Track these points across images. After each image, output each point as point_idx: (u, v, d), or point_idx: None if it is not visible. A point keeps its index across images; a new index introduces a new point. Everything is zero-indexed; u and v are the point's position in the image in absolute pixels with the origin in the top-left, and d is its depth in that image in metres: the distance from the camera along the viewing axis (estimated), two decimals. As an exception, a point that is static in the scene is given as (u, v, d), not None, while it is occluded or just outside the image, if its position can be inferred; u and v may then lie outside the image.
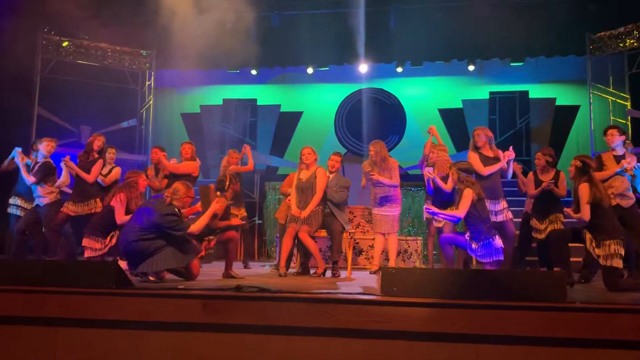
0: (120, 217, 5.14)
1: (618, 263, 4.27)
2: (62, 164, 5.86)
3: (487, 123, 9.51)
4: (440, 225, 5.83)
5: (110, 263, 3.80)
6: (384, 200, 5.98)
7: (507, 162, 5.58)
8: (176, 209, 4.60)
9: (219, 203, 5.10)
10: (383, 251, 6.55)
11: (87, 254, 5.14)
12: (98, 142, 5.96)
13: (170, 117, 10.89)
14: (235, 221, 5.34)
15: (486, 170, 5.49)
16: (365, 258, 7.01)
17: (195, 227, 4.60)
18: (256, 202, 9.67)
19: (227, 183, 5.48)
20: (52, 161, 6.05)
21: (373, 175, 5.91)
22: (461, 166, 5.06)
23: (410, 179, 9.17)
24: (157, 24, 8.25)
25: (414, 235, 8.79)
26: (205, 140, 10.32)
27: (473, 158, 5.54)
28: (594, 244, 4.38)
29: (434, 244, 6.49)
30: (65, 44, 9.40)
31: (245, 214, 6.66)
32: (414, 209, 9.37)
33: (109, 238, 5.16)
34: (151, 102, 10.10)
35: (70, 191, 5.99)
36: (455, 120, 10.06)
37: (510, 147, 5.64)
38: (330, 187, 5.79)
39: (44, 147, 5.99)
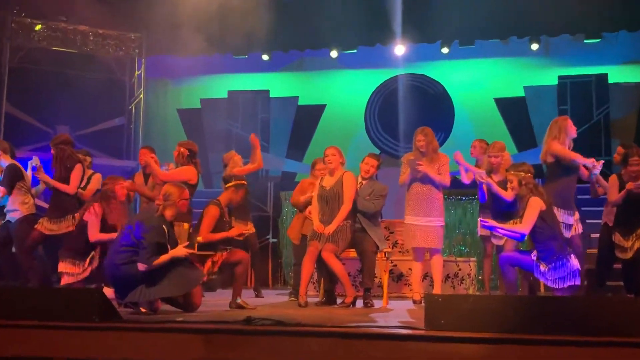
0: (94, 234, 5.19)
1: None
2: (31, 170, 5.95)
3: (555, 113, 9.38)
4: (501, 243, 5.78)
5: (93, 291, 3.85)
6: (425, 205, 5.96)
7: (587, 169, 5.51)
8: (164, 226, 4.65)
9: (236, 231, 5.26)
10: (426, 275, 6.50)
11: (65, 280, 5.21)
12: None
13: (164, 114, 11.03)
14: (235, 231, 5.37)
15: (577, 157, 5.37)
16: (406, 284, 6.99)
17: (158, 261, 4.58)
18: (269, 216, 9.70)
19: (233, 183, 5.56)
20: (18, 163, 6.12)
21: (421, 165, 5.88)
22: (522, 169, 4.99)
23: (460, 185, 9.10)
24: (147, 1, 8.37)
25: (466, 255, 8.73)
26: (207, 141, 10.43)
27: (558, 147, 5.41)
28: None
29: (492, 265, 6.43)
30: (38, 27, 9.56)
31: (253, 230, 6.73)
32: (465, 222, 9.29)
33: (88, 260, 5.22)
34: (141, 95, 10.25)
35: (46, 205, 6.07)
36: (515, 113, 9.97)
37: (600, 162, 5.48)
38: (362, 196, 5.79)
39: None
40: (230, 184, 5.59)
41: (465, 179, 6.10)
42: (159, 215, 4.72)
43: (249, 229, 6.64)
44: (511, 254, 5.08)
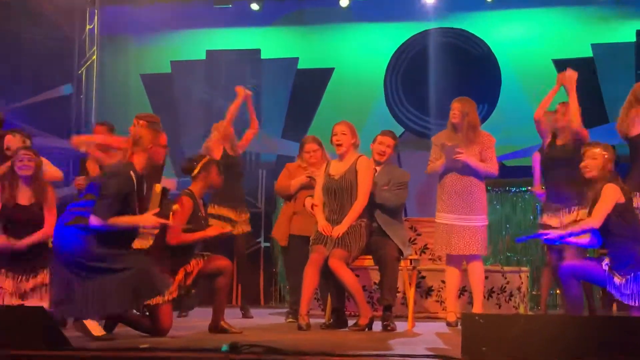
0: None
1: None
2: None
3: (632, 80, 9.33)
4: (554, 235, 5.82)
5: (35, 310, 3.87)
6: (463, 200, 5.98)
7: None
8: (132, 173, 4.63)
9: (214, 231, 5.26)
10: (464, 290, 6.50)
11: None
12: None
13: (124, 81, 11.01)
14: (213, 230, 5.36)
15: None
16: (437, 301, 7.02)
17: (117, 221, 4.56)
18: (261, 213, 9.71)
19: (199, 167, 5.43)
20: None
21: (461, 153, 5.88)
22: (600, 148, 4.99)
23: (508, 173, 9.09)
24: None
25: (516, 264, 8.74)
26: (179, 115, 10.41)
27: None
28: None
29: (551, 279, 6.41)
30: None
31: (245, 216, 6.88)
32: (514, 221, 9.29)
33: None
34: (94, 57, 10.22)
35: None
36: (580, 78, 9.89)
37: None
38: (379, 186, 5.78)
39: None
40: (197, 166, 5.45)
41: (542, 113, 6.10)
42: (125, 163, 4.72)
43: (241, 222, 6.71)
44: (575, 263, 5.09)
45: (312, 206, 5.82)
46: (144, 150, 4.74)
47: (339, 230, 5.54)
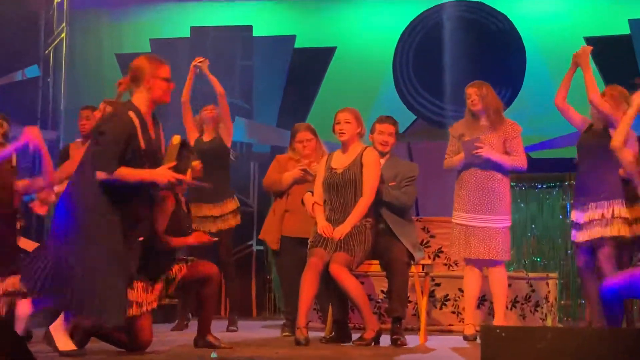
0: None
1: None
2: None
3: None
4: (582, 239, 5.82)
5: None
6: (484, 198, 6.00)
7: None
8: (133, 113, 4.46)
9: (197, 238, 5.25)
10: (484, 299, 6.50)
11: None
12: None
13: (97, 62, 11.02)
14: (196, 237, 5.38)
15: None
16: (454, 312, 7.04)
17: (124, 174, 4.41)
18: (253, 212, 9.73)
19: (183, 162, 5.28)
20: None
21: (482, 148, 5.90)
22: None
23: (534, 167, 9.07)
24: None
25: (543, 269, 8.74)
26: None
27: None
28: None
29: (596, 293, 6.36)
30: None
31: (233, 209, 6.92)
32: (540, 221, 9.29)
33: None
34: (64, 35, 10.21)
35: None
36: (617, 58, 9.90)
37: None
38: (385, 181, 5.83)
39: None
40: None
41: (563, 98, 6.15)
42: (123, 103, 4.61)
43: (227, 215, 6.75)
44: (619, 282, 5.08)
45: (313, 205, 5.82)
46: (145, 86, 4.56)
47: (342, 231, 5.54)
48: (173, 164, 4.65)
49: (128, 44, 10.97)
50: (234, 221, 7.02)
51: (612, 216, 5.71)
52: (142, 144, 4.53)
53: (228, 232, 6.97)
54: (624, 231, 5.73)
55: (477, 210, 5.99)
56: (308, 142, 6.47)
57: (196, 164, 5.06)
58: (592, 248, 5.89)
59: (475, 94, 6.06)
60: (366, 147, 5.81)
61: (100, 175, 4.40)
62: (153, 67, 4.59)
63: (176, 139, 4.92)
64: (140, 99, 4.59)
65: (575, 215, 6.00)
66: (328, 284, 5.65)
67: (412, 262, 5.77)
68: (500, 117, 6.08)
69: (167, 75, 4.63)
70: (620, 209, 5.73)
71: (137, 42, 10.92)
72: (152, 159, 4.60)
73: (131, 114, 4.50)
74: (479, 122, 6.08)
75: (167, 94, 4.64)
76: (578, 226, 5.93)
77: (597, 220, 5.77)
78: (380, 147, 5.93)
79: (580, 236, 5.91)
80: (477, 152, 5.91)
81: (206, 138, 7.13)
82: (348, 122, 5.80)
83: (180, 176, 4.63)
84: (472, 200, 6.00)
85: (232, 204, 7.03)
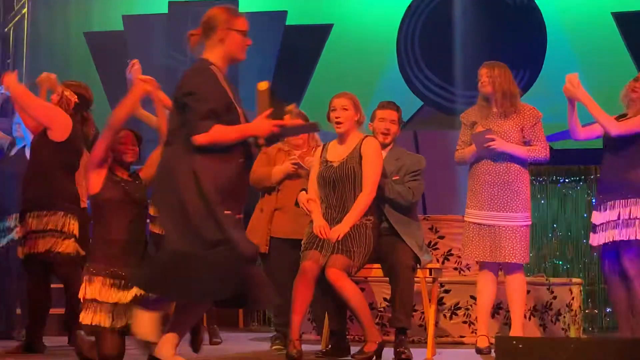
0: None
1: None
2: None
3: None
4: (601, 241, 5.87)
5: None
6: (500, 194, 6.04)
7: None
8: (214, 71, 4.48)
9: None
10: (499, 307, 6.53)
11: None
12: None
13: (63, 41, 11.02)
14: None
15: None
16: (466, 322, 7.08)
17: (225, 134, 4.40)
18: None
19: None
20: None
21: (494, 141, 5.94)
22: None
23: (557, 159, 9.10)
24: None
25: (565, 274, 8.79)
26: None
27: None
28: None
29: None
30: None
31: None
32: (562, 220, 9.31)
33: None
34: (25, 11, 10.20)
35: None
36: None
37: None
38: (388, 176, 5.89)
39: None
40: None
41: (580, 132, 6.14)
42: (200, 59, 4.59)
43: None
44: None
45: (308, 201, 5.83)
46: (219, 36, 4.55)
47: (339, 231, 5.55)
48: (269, 111, 4.62)
49: (98, 22, 11.00)
50: None
51: (630, 217, 5.77)
52: (233, 99, 4.57)
53: None
54: None
55: (492, 207, 6.01)
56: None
57: (291, 107, 4.93)
58: (617, 250, 5.93)
59: (486, 75, 6.08)
60: (366, 137, 5.82)
61: (200, 139, 4.38)
62: (228, 17, 4.59)
63: (264, 85, 4.81)
64: (214, 53, 4.60)
65: (594, 217, 6.07)
66: (324, 291, 5.68)
67: (418, 266, 5.80)
68: (514, 103, 6.09)
69: (243, 28, 4.61)
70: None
71: (107, 19, 10.95)
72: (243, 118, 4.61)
73: (213, 68, 4.54)
74: (492, 108, 6.11)
75: (243, 50, 4.63)
76: (594, 228, 5.99)
77: (614, 222, 5.83)
78: (381, 137, 5.96)
79: (594, 239, 5.98)
80: (488, 145, 5.93)
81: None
82: (345, 109, 5.81)
83: (282, 122, 4.64)
84: (486, 196, 6.02)
85: None
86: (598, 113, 5.94)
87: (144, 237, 5.24)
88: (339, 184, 5.73)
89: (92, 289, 4.97)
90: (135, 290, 4.82)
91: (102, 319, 4.92)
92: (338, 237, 5.54)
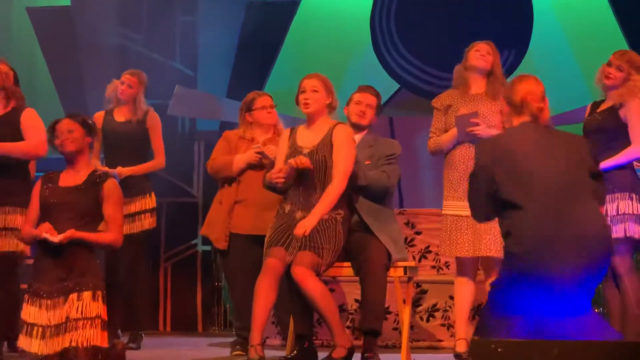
0: None
1: None
2: None
3: None
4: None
5: None
6: None
7: None
8: None
9: None
10: (480, 309, 6.54)
11: None
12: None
13: (4, 18, 10.95)
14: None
15: None
16: (443, 325, 7.07)
17: None
18: (197, 203, 9.73)
19: None
20: None
21: (479, 127, 5.95)
22: None
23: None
24: None
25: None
26: (82, 65, 10.34)
27: None
28: None
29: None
30: None
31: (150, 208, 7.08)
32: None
33: None
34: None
35: None
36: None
37: None
38: (360, 162, 5.86)
39: None
40: None
41: None
42: None
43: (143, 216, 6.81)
44: None
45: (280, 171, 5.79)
46: None
47: (306, 225, 5.55)
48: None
49: (42, -5, 10.93)
50: (148, 223, 7.04)
51: (617, 213, 5.80)
52: None
53: (141, 236, 7.02)
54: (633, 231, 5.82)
55: None
56: (272, 109, 6.47)
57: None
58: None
59: (486, 51, 6.13)
60: (337, 123, 5.81)
61: None
62: None
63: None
64: None
65: None
66: (290, 292, 5.67)
67: (391, 264, 5.78)
68: (503, 83, 6.13)
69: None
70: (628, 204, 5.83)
71: (53, -8, 10.88)
72: None
73: None
74: (470, 89, 6.12)
75: None
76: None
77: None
78: (355, 117, 5.99)
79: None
80: (471, 131, 5.93)
81: (120, 118, 7.14)
82: (315, 91, 5.83)
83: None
84: (466, 185, 5.99)
85: (149, 201, 7.05)
86: (619, 160, 5.96)
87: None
88: (306, 173, 5.71)
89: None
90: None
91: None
92: (304, 232, 5.52)
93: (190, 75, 10.14)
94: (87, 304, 5.16)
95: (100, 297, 5.20)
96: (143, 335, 7.05)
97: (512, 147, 4.41)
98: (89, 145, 5.52)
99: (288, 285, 5.64)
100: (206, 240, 9.49)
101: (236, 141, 6.58)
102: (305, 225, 5.54)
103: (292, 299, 5.80)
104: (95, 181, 5.39)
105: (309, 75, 5.94)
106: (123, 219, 5.57)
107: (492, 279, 5.90)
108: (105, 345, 5.16)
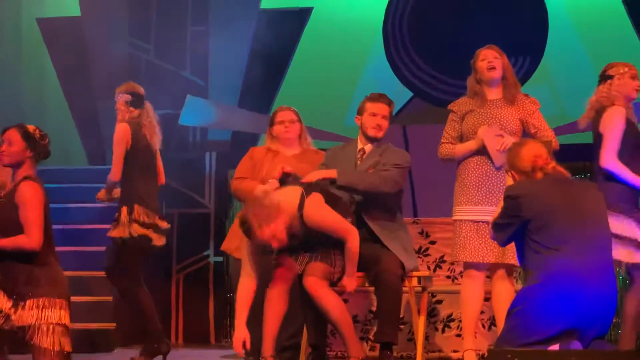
0: None
1: None
2: None
3: None
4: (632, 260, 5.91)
5: None
6: (494, 187, 6.00)
7: None
8: None
9: None
10: (493, 318, 6.54)
11: None
12: None
13: (14, 28, 10.98)
14: None
15: None
16: (459, 335, 7.06)
17: None
18: (210, 214, 9.73)
19: None
20: None
21: (501, 134, 5.93)
22: None
23: (559, 154, 9.10)
24: None
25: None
26: (93, 75, 10.38)
27: None
28: None
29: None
30: None
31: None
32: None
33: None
34: (-33, -5, 10.17)
35: None
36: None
37: None
38: (363, 170, 5.92)
39: None
40: None
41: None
42: None
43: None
44: None
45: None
46: None
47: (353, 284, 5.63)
48: None
49: (51, 6, 10.97)
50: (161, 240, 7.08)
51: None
52: None
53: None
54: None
55: (486, 201, 5.95)
56: (291, 124, 6.44)
57: None
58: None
59: (494, 57, 6.09)
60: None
61: None
62: None
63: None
64: None
65: None
66: (302, 302, 5.68)
67: (404, 274, 5.77)
68: (518, 89, 6.15)
69: None
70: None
71: (62, 4, 10.92)
72: None
73: None
74: (487, 96, 6.10)
75: None
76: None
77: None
78: (372, 131, 5.93)
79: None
80: (503, 146, 5.85)
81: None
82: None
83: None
84: (484, 189, 5.94)
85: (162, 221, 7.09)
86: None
87: None
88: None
89: None
90: None
91: None
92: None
93: (201, 84, 10.16)
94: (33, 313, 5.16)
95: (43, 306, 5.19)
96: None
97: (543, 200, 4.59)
98: (32, 158, 5.40)
99: (300, 296, 5.64)
100: (218, 252, 9.52)
101: (262, 157, 6.51)
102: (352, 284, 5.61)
103: (304, 309, 5.80)
104: (12, 189, 5.33)
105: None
106: (40, 220, 5.39)
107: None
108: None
